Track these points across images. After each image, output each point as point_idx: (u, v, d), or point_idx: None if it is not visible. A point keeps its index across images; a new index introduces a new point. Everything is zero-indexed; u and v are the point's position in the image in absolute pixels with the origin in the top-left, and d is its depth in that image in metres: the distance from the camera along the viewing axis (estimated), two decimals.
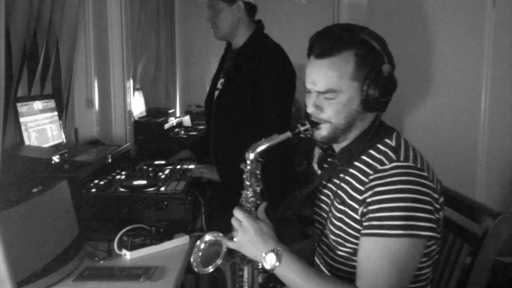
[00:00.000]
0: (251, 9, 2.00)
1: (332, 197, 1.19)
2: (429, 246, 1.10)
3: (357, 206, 1.09)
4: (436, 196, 1.06)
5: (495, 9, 2.87)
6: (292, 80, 1.95)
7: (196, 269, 1.14)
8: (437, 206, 1.06)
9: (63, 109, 2.16)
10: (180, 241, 1.48)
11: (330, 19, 3.04)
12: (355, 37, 1.10)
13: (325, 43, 1.10)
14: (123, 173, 1.84)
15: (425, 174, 1.06)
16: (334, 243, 1.16)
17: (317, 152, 3.43)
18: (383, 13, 2.90)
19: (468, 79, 2.97)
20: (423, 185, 1.04)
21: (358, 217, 1.09)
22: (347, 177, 1.15)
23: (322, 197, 1.27)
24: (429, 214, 1.03)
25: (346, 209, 1.12)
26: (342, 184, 1.15)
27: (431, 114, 2.99)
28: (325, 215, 1.22)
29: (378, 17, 2.87)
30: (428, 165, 1.11)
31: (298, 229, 2.91)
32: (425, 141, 2.94)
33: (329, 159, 1.32)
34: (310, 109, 1.15)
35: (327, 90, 1.11)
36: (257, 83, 1.87)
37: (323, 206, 1.25)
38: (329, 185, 1.24)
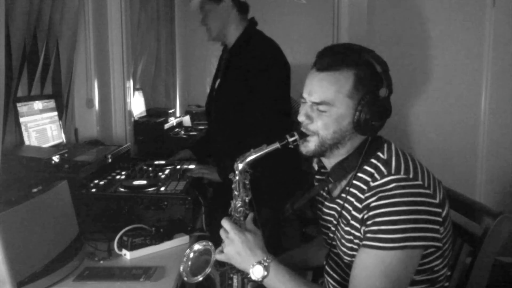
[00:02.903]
0: (241, 7, 1.97)
1: (337, 217, 1.19)
2: (441, 248, 1.10)
3: (359, 226, 1.10)
4: (434, 201, 1.06)
5: (495, 9, 2.87)
6: (284, 73, 1.92)
7: (185, 279, 1.15)
8: (436, 210, 1.06)
9: (63, 109, 2.16)
10: (180, 241, 1.48)
11: (330, 19, 3.03)
12: (359, 57, 1.12)
13: (328, 57, 1.12)
14: (123, 173, 1.84)
15: (418, 182, 1.06)
16: (350, 263, 1.15)
17: None
18: (383, 13, 2.90)
19: (468, 79, 2.97)
20: (416, 194, 1.04)
21: (362, 236, 1.09)
22: (348, 197, 1.15)
23: (326, 215, 1.26)
24: (424, 223, 1.03)
25: (352, 231, 1.12)
26: (346, 205, 1.16)
27: (431, 114, 2.99)
28: (332, 235, 1.22)
29: (378, 17, 2.87)
30: (423, 169, 1.11)
31: (298, 229, 2.92)
32: (425, 141, 2.94)
33: (317, 177, 1.33)
34: (301, 118, 1.16)
35: (321, 101, 1.12)
36: (249, 80, 1.85)
37: (329, 225, 1.25)
38: (331, 203, 1.24)
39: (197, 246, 1.17)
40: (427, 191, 1.06)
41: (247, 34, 1.98)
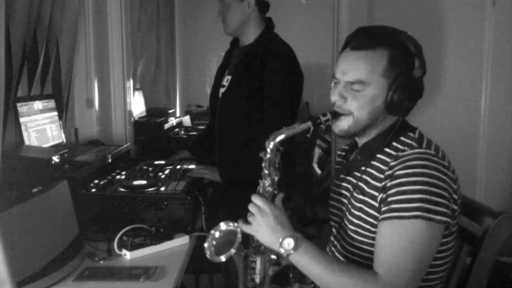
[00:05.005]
0: (262, 6, 1.97)
1: (351, 189, 1.20)
2: (443, 243, 1.10)
3: (376, 194, 1.10)
4: (454, 187, 1.07)
5: (495, 9, 2.87)
6: (299, 83, 1.93)
7: (209, 257, 1.14)
8: (455, 196, 1.07)
9: (63, 109, 2.16)
10: (180, 241, 1.48)
11: (330, 19, 3.04)
12: (393, 37, 1.13)
13: (363, 37, 1.13)
14: (123, 173, 1.84)
15: (445, 163, 1.08)
16: (352, 233, 1.17)
17: (317, 152, 3.43)
18: (383, 13, 2.90)
19: (468, 79, 2.97)
20: (442, 172, 1.05)
21: (377, 204, 1.09)
22: (368, 169, 1.16)
23: (341, 190, 1.27)
24: (446, 200, 1.04)
25: (366, 198, 1.13)
26: (364, 176, 1.16)
27: (431, 114, 2.99)
28: (343, 207, 1.23)
29: (378, 17, 2.87)
30: (449, 160, 1.12)
31: (298, 229, 2.92)
32: None
33: (342, 160, 1.33)
34: (334, 98, 1.16)
35: (356, 80, 1.12)
36: (265, 84, 1.85)
37: (342, 199, 1.26)
38: (349, 178, 1.24)
39: (223, 226, 1.16)
40: (452, 175, 1.08)
41: (267, 37, 1.96)
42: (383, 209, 1.06)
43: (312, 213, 3.14)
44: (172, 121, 3.54)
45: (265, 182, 1.17)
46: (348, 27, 2.80)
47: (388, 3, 2.93)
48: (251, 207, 1.14)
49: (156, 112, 3.59)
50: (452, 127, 2.99)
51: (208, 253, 1.14)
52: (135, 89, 3.28)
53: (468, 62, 2.96)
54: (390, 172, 1.08)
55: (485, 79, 2.94)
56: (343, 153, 1.36)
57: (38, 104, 1.90)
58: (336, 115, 1.15)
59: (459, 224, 1.26)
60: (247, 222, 1.14)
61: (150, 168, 1.93)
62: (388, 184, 1.07)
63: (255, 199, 1.14)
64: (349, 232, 1.18)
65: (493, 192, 2.97)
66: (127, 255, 1.38)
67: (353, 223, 1.16)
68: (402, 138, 1.14)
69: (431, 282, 1.14)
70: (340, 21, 2.88)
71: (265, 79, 1.85)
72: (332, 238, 1.30)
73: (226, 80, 2.01)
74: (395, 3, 2.94)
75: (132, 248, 1.38)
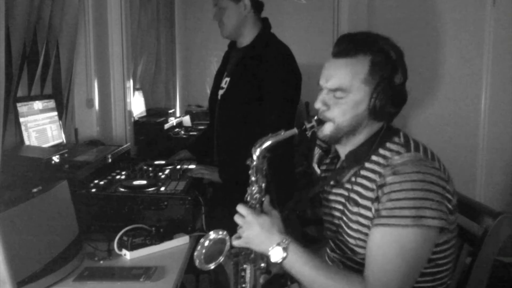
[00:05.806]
0: (257, 6, 1.97)
1: (344, 201, 1.19)
2: (444, 248, 1.10)
3: (370, 205, 1.10)
4: (447, 187, 1.07)
5: (495, 9, 2.87)
6: (298, 83, 1.93)
7: (198, 266, 1.14)
8: (449, 196, 1.07)
9: (63, 109, 2.16)
10: (180, 241, 1.48)
11: (330, 19, 3.04)
12: (375, 44, 1.14)
13: (344, 44, 1.14)
14: (123, 173, 1.84)
15: (436, 165, 1.08)
16: (354, 247, 1.16)
17: (317, 152, 3.43)
18: (383, 13, 2.91)
19: (468, 79, 2.97)
20: (433, 175, 1.05)
21: (371, 216, 1.09)
22: (359, 180, 1.15)
23: (332, 202, 1.26)
24: (439, 204, 1.04)
25: (361, 210, 1.12)
26: (355, 187, 1.16)
27: (431, 114, 3.00)
28: (337, 221, 1.23)
29: (378, 17, 2.87)
30: (439, 159, 1.12)
31: (298, 229, 2.92)
32: (425, 141, 2.94)
33: (328, 166, 1.33)
34: (317, 105, 1.17)
35: (337, 88, 1.13)
36: (263, 84, 1.85)
37: (334, 212, 1.25)
38: (339, 191, 1.24)
39: (212, 235, 1.16)
40: (443, 175, 1.08)
41: (263, 37, 1.97)
42: (376, 216, 1.07)
43: (312, 213, 3.14)
44: (172, 121, 3.54)
45: (253, 189, 1.17)
46: (348, 27, 2.81)
47: (388, 4, 2.93)
48: (237, 219, 1.15)
49: (156, 112, 3.59)
50: (452, 127, 3.00)
51: (197, 262, 1.14)
52: (135, 89, 3.27)
53: (468, 62, 2.96)
54: (382, 181, 1.07)
55: (485, 79, 2.95)
56: (326, 164, 1.35)
57: (38, 104, 1.90)
58: (320, 123, 1.16)
59: (459, 224, 1.27)
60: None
61: (150, 168, 1.93)
62: (381, 194, 1.07)
63: (240, 209, 1.14)
64: (351, 246, 1.17)
65: (493, 192, 2.97)
66: (127, 255, 1.38)
67: (353, 237, 1.15)
68: (388, 145, 1.14)
69: (440, 281, 1.14)
70: (340, 21, 2.88)
71: (264, 80, 1.85)
72: (329, 251, 1.29)
73: (225, 82, 2.01)
74: (395, 3, 2.94)
75: (132, 248, 1.38)
